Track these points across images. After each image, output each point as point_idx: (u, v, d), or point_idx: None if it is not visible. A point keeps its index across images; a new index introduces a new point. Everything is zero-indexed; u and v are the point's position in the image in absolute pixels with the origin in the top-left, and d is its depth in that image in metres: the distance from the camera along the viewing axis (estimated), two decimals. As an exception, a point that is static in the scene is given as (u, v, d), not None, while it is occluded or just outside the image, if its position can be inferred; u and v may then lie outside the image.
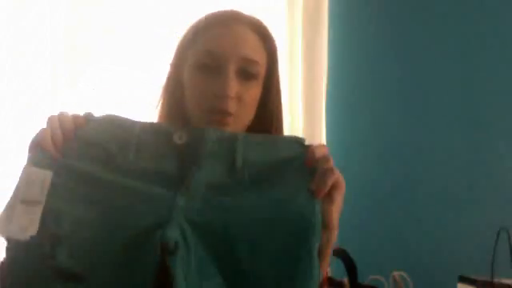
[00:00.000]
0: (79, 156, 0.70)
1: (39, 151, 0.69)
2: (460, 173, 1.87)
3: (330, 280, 1.27)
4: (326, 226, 0.71)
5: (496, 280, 1.47)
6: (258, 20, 0.89)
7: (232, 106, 0.82)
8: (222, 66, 0.82)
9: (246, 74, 0.84)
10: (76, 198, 0.68)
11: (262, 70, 0.87)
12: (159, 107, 0.92)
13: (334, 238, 0.74)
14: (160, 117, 0.91)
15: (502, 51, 1.92)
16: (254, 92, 0.86)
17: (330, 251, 0.74)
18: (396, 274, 1.64)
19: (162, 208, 0.67)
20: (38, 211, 0.65)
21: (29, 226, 0.65)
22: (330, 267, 1.30)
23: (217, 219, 0.68)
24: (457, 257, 1.77)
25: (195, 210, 0.68)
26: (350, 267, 1.32)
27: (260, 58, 0.86)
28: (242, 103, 0.84)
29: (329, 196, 0.72)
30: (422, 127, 1.92)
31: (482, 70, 1.91)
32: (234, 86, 0.82)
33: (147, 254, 0.65)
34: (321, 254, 0.70)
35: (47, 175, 0.67)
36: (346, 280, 1.34)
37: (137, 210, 0.67)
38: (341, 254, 1.18)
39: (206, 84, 0.82)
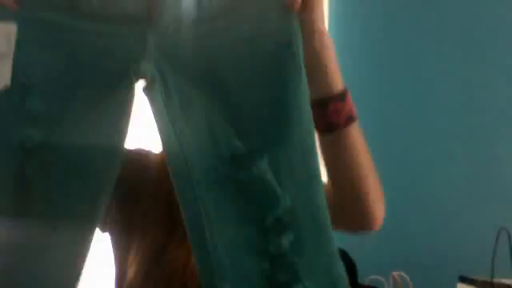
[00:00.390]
0: (41, 6, 0.68)
1: None
2: (460, 173, 1.87)
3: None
4: (311, 33, 0.68)
5: (496, 280, 1.47)
6: None
7: None
8: None
9: None
10: (44, 46, 0.67)
11: None
12: None
13: (328, 44, 0.70)
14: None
15: (502, 51, 1.92)
16: None
17: (332, 58, 0.71)
18: (396, 274, 1.64)
19: (134, 47, 0.65)
20: (7, 64, 0.65)
21: None
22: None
23: (194, 52, 0.66)
24: (457, 257, 1.77)
25: (169, 45, 0.66)
26: (350, 267, 1.32)
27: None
28: None
29: (305, 4, 0.66)
30: (422, 127, 1.92)
31: (483, 70, 1.91)
32: None
33: (122, 94, 0.64)
34: (320, 62, 0.69)
35: (11, 28, 0.66)
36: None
37: (108, 51, 0.66)
38: (340, 254, 1.17)
39: None
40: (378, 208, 0.79)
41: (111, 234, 0.94)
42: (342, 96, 0.72)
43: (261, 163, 0.62)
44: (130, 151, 0.92)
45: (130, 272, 0.86)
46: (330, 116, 0.71)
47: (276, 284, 0.61)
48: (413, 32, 1.97)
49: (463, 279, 1.56)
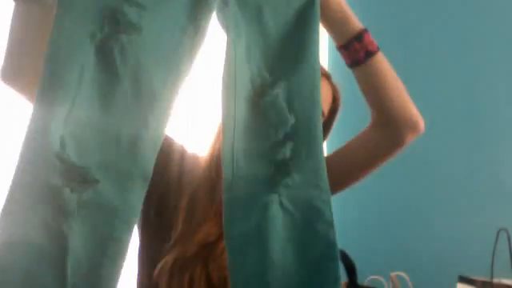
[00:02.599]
0: None
1: None
2: (460, 173, 1.87)
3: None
4: None
5: (495, 280, 1.47)
6: (328, 73, 1.10)
7: None
8: None
9: None
10: None
11: (323, 119, 1.01)
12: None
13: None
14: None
15: (502, 51, 1.92)
16: None
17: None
18: (395, 274, 1.64)
19: None
20: None
21: None
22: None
23: None
24: (456, 257, 1.77)
25: None
26: (350, 268, 1.32)
27: (326, 107, 1.06)
28: None
29: None
30: (422, 127, 1.91)
31: (483, 70, 1.91)
32: None
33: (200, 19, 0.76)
34: (345, 9, 0.89)
35: None
36: (343, 282, 1.34)
37: None
38: (340, 254, 1.18)
39: None
40: (416, 111, 1.02)
41: (144, 235, 0.97)
42: (367, 29, 0.92)
43: (277, 90, 0.79)
44: (180, 146, 1.01)
45: (172, 252, 0.90)
46: (367, 45, 0.92)
47: (274, 180, 0.77)
48: (413, 32, 1.97)
49: (463, 279, 1.56)
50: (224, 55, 0.78)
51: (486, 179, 1.85)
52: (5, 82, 0.78)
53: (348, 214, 1.89)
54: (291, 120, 0.78)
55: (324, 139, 1.11)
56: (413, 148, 2.02)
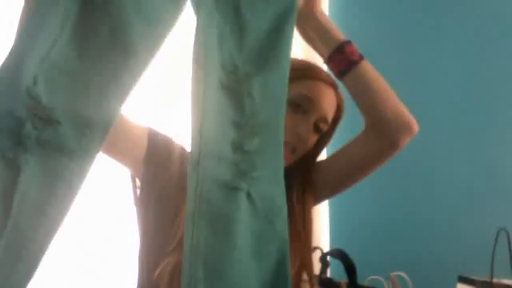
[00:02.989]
0: None
1: None
2: (460, 173, 1.87)
3: (328, 281, 1.27)
4: (317, 7, 0.93)
5: (495, 280, 1.47)
6: (336, 83, 1.09)
7: (300, 148, 1.02)
8: (309, 112, 1.02)
9: (317, 128, 1.05)
10: None
11: (326, 127, 1.07)
12: None
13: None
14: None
15: (502, 50, 1.92)
16: (313, 142, 1.06)
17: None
18: (395, 274, 1.64)
19: None
20: None
21: None
22: (329, 267, 1.30)
23: None
24: (456, 257, 1.77)
25: None
26: (350, 268, 1.32)
27: (330, 116, 1.07)
28: (305, 147, 1.04)
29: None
30: (422, 127, 1.91)
31: (483, 70, 1.91)
32: (309, 131, 1.02)
33: None
34: (329, 23, 0.94)
35: None
36: (343, 282, 1.34)
37: None
38: (340, 254, 1.18)
39: (293, 121, 1.00)
40: (407, 113, 1.04)
41: (144, 237, 0.98)
42: (349, 41, 0.96)
43: (252, 82, 0.78)
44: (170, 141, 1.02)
45: (173, 255, 0.90)
46: (349, 55, 0.95)
47: (240, 169, 0.77)
48: (413, 31, 1.97)
49: (462, 279, 1.56)
50: (193, 40, 0.78)
51: (485, 179, 1.85)
52: None
53: (348, 214, 1.89)
54: (262, 115, 0.78)
55: (325, 146, 1.13)
56: (413, 148, 2.02)
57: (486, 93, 1.90)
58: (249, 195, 0.77)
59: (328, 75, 1.07)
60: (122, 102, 0.75)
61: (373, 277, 1.62)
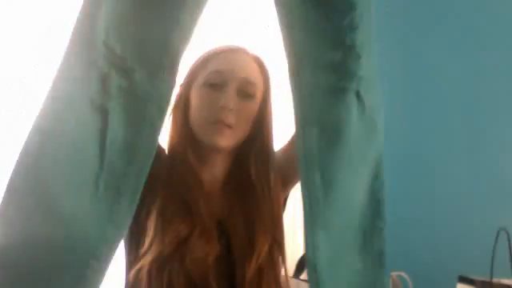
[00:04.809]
0: None
1: None
2: (460, 173, 1.87)
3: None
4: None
5: (495, 280, 1.47)
6: (258, 55, 1.05)
7: (231, 118, 0.96)
8: (226, 83, 0.97)
9: (244, 94, 0.99)
10: None
11: (258, 92, 1.01)
12: (170, 124, 1.03)
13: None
14: (170, 132, 1.03)
15: (502, 50, 1.92)
16: (250, 110, 1.00)
17: None
18: (395, 273, 1.64)
19: None
20: None
21: None
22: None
23: None
24: (456, 257, 1.77)
25: None
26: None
27: (258, 82, 1.02)
28: (240, 118, 0.97)
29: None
30: (422, 127, 1.92)
31: (483, 69, 1.91)
32: (234, 100, 0.96)
33: None
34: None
35: None
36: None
37: None
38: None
39: (212, 98, 0.97)
40: None
41: (125, 241, 0.97)
42: None
43: None
44: None
45: (147, 256, 0.90)
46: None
47: (346, 66, 0.79)
48: (412, 31, 1.98)
49: (462, 279, 1.56)
50: None
51: (485, 179, 1.85)
52: None
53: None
54: (356, 8, 0.80)
55: (268, 117, 1.05)
56: (413, 148, 2.02)
57: (486, 93, 1.90)
58: (358, 95, 0.80)
59: (247, 50, 1.04)
60: (186, 43, 0.79)
61: (373, 277, 1.62)
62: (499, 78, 1.90)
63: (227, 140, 0.96)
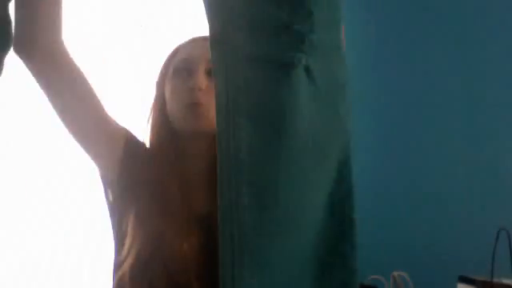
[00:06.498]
0: None
1: None
2: (460, 173, 1.87)
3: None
4: None
5: (496, 280, 1.47)
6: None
7: (203, 98, 0.94)
8: (195, 67, 0.97)
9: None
10: None
11: None
12: (150, 121, 1.04)
13: None
14: (150, 129, 1.03)
15: (502, 50, 1.92)
16: None
17: None
18: (396, 273, 1.64)
19: None
20: None
21: None
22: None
23: None
24: (457, 257, 1.77)
25: None
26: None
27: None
28: (213, 96, 0.89)
29: None
30: (422, 126, 1.92)
31: (483, 70, 1.91)
32: (203, 81, 0.95)
33: None
34: None
35: None
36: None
37: None
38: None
39: (182, 82, 0.97)
40: None
41: (113, 219, 0.98)
42: None
43: None
44: (131, 135, 1.00)
45: (128, 259, 0.89)
46: None
47: (294, 29, 0.60)
48: (412, 31, 1.97)
49: (463, 279, 1.56)
50: None
51: (485, 179, 1.85)
52: (17, 52, 0.84)
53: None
54: None
55: None
56: (413, 148, 2.02)
57: (486, 93, 1.90)
58: (308, 70, 0.59)
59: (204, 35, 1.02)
60: None
61: (373, 276, 1.62)
62: (499, 77, 1.90)
63: (204, 121, 0.94)
